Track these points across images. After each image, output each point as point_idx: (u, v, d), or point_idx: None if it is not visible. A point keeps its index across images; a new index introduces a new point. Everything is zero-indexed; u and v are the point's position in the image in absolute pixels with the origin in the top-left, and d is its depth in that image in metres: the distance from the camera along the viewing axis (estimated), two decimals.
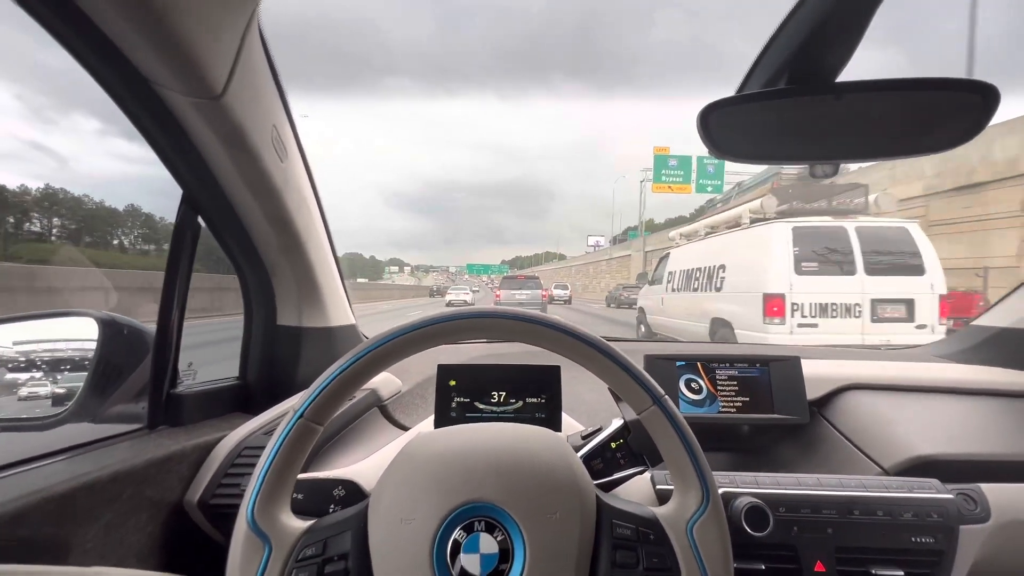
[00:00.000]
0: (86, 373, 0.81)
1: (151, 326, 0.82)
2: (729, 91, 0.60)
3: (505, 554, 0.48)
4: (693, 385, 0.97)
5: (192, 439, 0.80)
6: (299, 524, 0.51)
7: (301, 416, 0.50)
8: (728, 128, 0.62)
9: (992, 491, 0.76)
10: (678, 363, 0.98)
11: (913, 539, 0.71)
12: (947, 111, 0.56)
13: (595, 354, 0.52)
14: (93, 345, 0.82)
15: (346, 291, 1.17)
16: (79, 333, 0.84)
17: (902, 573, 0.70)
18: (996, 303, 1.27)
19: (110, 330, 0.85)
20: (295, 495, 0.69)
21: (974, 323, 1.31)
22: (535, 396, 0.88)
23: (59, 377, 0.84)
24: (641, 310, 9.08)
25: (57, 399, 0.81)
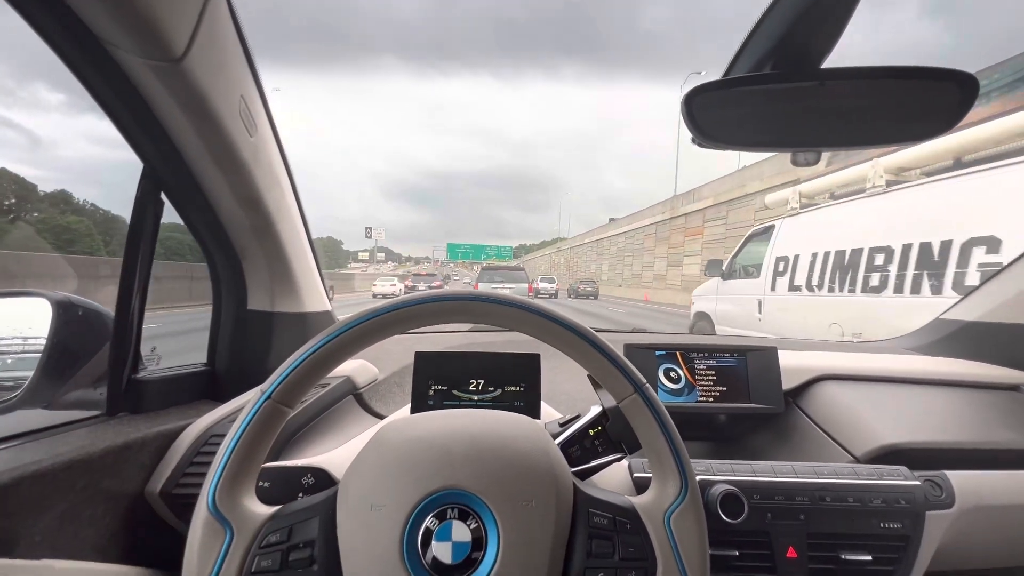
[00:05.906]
0: (39, 357, 0.76)
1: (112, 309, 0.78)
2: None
3: (478, 542, 0.47)
4: (672, 374, 0.97)
5: (154, 426, 0.76)
6: (264, 510, 0.49)
7: (269, 397, 0.48)
8: (712, 113, 0.61)
9: (957, 478, 0.79)
10: (657, 352, 0.98)
11: (881, 525, 0.73)
12: (928, 100, 0.56)
13: (577, 340, 0.51)
14: (47, 328, 0.77)
15: (322, 276, 1.14)
16: (31, 315, 0.79)
17: (870, 557, 0.72)
18: (962, 298, 1.31)
19: (66, 312, 0.80)
20: (262, 483, 0.67)
21: (941, 317, 1.35)
22: (514, 384, 0.87)
23: (8, 361, 0.79)
24: (703, 317, 5.81)
25: (5, 385, 0.76)
